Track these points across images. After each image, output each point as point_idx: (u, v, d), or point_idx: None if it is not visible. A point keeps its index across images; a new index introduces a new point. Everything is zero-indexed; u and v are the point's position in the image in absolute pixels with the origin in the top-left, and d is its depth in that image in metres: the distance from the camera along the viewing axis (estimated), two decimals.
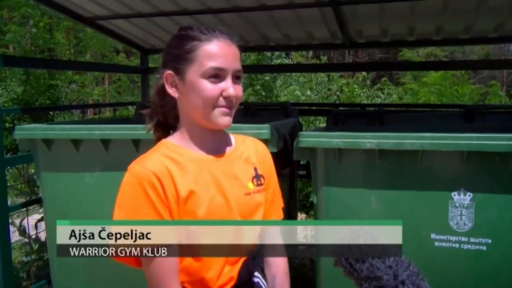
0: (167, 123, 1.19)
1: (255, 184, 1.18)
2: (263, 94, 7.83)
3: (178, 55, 1.08)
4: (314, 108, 4.34)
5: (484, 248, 1.73)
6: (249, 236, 1.16)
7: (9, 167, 5.00)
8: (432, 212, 1.78)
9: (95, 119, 7.15)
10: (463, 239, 1.75)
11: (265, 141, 1.88)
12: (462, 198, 1.75)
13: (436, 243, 1.78)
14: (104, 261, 2.12)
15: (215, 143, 1.16)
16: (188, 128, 1.13)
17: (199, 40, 1.06)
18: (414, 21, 2.87)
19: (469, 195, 1.74)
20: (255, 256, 1.17)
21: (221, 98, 1.06)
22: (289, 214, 2.82)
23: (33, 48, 8.75)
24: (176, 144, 1.13)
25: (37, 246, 3.02)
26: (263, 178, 1.21)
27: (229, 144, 1.21)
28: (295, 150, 1.90)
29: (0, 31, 9.43)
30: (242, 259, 1.15)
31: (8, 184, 4.80)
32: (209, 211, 1.07)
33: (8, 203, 2.48)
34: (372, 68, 7.76)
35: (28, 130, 2.19)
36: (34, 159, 2.24)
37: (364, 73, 8.00)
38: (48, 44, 8.70)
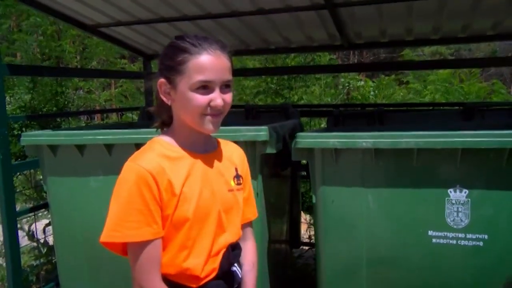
0: (165, 123, 1.29)
1: (236, 183, 1.30)
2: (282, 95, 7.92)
3: (170, 66, 1.16)
4: (315, 109, 4.35)
5: (481, 244, 1.75)
6: (231, 229, 1.27)
7: (17, 173, 5.09)
8: (429, 209, 1.80)
9: (100, 124, 7.23)
10: (460, 235, 1.77)
11: (264, 143, 1.93)
12: (458, 195, 1.77)
13: (434, 240, 1.80)
14: (108, 264, 2.18)
15: (203, 143, 1.26)
16: (181, 128, 1.23)
17: (189, 53, 1.14)
18: (412, 22, 2.89)
19: (465, 192, 1.76)
20: (234, 248, 1.26)
21: (209, 108, 1.15)
22: (292, 215, 2.85)
23: (39, 56, 8.87)
24: (169, 142, 1.22)
25: (45, 250, 3.09)
26: (242, 178, 1.33)
27: (214, 145, 1.32)
28: (293, 151, 1.93)
29: (7, 40, 9.57)
30: (222, 251, 1.23)
31: (17, 190, 4.89)
32: (198, 205, 1.17)
33: (17, 209, 2.54)
34: (378, 68, 7.74)
35: (33, 137, 2.25)
36: (40, 164, 2.30)
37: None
38: (55, 52, 8.82)
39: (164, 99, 1.20)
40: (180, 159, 1.19)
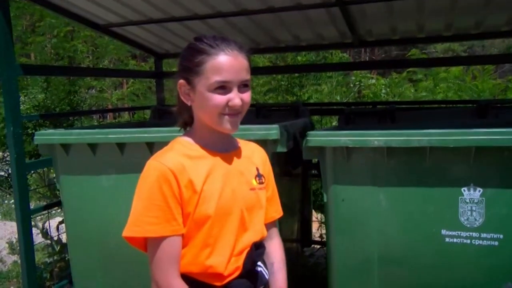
0: (186, 123, 1.31)
1: (258, 182, 1.31)
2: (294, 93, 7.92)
3: (189, 67, 1.18)
4: (326, 108, 4.33)
5: (496, 243, 1.72)
6: (254, 228, 1.27)
7: (31, 172, 5.17)
8: (442, 208, 1.78)
9: (112, 123, 7.30)
10: (474, 234, 1.75)
11: (274, 141, 1.93)
12: (472, 194, 1.75)
13: (447, 239, 1.78)
14: (121, 262, 2.20)
15: (223, 143, 1.28)
16: (201, 129, 1.25)
17: (206, 54, 1.15)
18: (423, 18, 2.86)
19: (479, 191, 1.74)
20: (258, 247, 1.26)
21: (227, 107, 1.16)
22: (303, 213, 2.85)
23: (53, 56, 8.98)
24: (190, 142, 1.24)
25: (58, 248, 3.12)
26: (264, 178, 1.33)
27: (235, 145, 1.34)
28: (304, 149, 1.93)
29: (21, 40, 9.71)
30: (246, 250, 1.24)
31: (31, 188, 4.97)
32: (219, 203, 1.19)
33: (31, 207, 2.58)
34: (390, 66, 7.67)
35: (46, 135, 2.28)
36: (53, 163, 2.33)
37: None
38: (69, 52, 8.92)
39: (184, 100, 1.22)
40: (201, 158, 1.21)
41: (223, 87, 1.15)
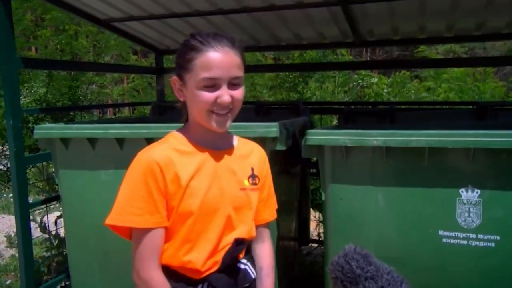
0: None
1: (250, 182, 1.30)
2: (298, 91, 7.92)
3: (181, 64, 1.19)
4: (326, 107, 4.33)
5: (493, 245, 1.72)
6: (242, 228, 1.27)
7: (30, 166, 5.18)
8: (439, 209, 1.78)
9: (111, 118, 7.29)
10: (471, 235, 1.75)
11: (274, 139, 1.93)
12: (470, 195, 1.75)
13: (444, 240, 1.78)
14: (118, 257, 2.20)
15: (217, 141, 1.27)
16: (194, 125, 1.26)
17: (196, 51, 1.15)
18: (424, 19, 2.86)
19: (477, 192, 1.74)
20: (238, 243, 1.26)
21: (216, 105, 1.15)
22: (301, 212, 2.85)
23: (59, 52, 8.96)
24: (183, 137, 1.26)
25: (56, 242, 3.13)
26: (258, 179, 1.33)
27: (230, 143, 1.33)
28: (303, 148, 1.93)
29: (24, 34, 9.68)
30: (228, 246, 1.25)
31: (30, 182, 4.97)
32: (204, 200, 1.18)
33: (30, 201, 2.58)
34: (391, 66, 7.66)
35: (46, 130, 2.28)
36: (52, 157, 2.33)
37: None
38: (75, 50, 8.93)
39: (178, 96, 1.23)
40: (191, 153, 1.22)
41: (212, 84, 1.14)
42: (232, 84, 1.16)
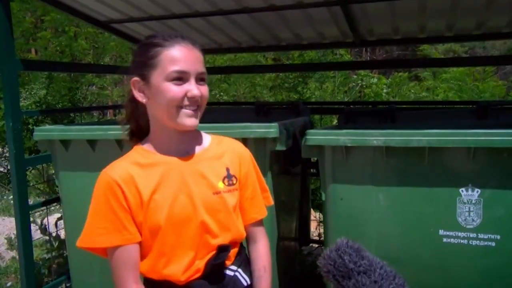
0: (141, 130, 1.26)
1: (226, 184, 1.23)
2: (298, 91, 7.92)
3: (143, 62, 1.15)
4: (326, 107, 4.33)
5: (493, 244, 1.73)
6: (224, 232, 1.22)
7: (30, 168, 5.17)
8: (440, 208, 1.78)
9: (111, 120, 7.28)
10: (471, 235, 1.75)
11: (274, 140, 1.93)
12: (470, 194, 1.75)
13: (444, 239, 1.78)
14: None
15: (184, 145, 1.22)
16: (157, 131, 1.20)
17: (161, 46, 1.13)
18: (425, 19, 2.86)
19: (477, 191, 1.74)
20: (222, 250, 1.21)
21: (185, 99, 1.12)
22: (301, 212, 2.85)
23: (58, 54, 8.97)
24: (146, 149, 1.21)
25: (57, 244, 3.13)
26: (236, 178, 1.25)
27: (200, 144, 1.26)
28: (303, 148, 1.93)
29: (23, 36, 9.69)
30: (212, 253, 1.20)
31: (30, 184, 4.97)
32: (170, 212, 1.15)
33: (30, 202, 2.57)
34: (391, 66, 7.64)
35: (46, 131, 2.28)
36: (52, 159, 2.33)
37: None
38: (75, 51, 8.93)
39: (139, 98, 1.17)
40: (153, 165, 1.17)
41: (180, 78, 1.11)
42: (199, 79, 1.14)
